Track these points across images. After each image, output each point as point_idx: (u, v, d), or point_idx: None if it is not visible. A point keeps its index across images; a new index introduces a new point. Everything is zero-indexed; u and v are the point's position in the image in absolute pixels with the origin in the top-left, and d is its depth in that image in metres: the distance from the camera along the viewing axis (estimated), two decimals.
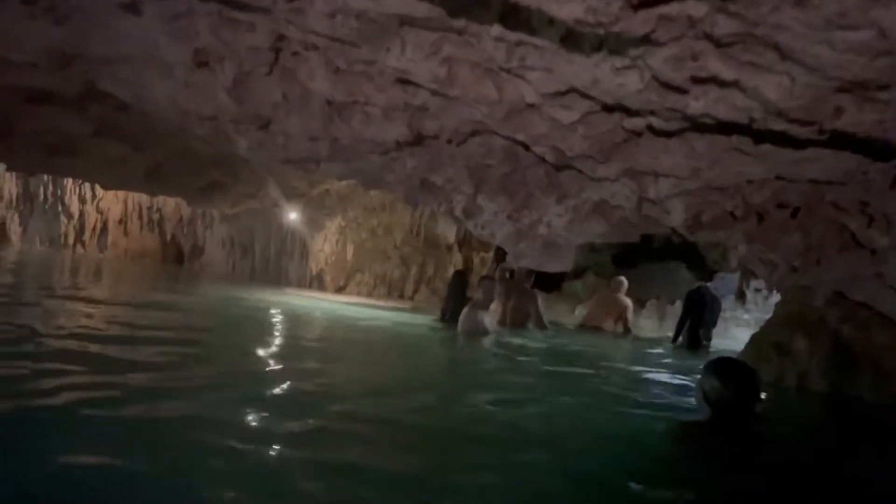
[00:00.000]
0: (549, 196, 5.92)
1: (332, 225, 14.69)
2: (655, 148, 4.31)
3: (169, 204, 17.27)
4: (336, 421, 2.82)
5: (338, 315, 8.60)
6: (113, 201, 17.71)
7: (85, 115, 8.80)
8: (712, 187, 4.63)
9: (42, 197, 17.59)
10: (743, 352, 6.67)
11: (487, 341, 7.12)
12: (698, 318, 8.45)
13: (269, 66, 4.67)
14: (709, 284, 8.74)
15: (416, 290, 15.14)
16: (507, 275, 8.61)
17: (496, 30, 3.12)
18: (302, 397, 3.27)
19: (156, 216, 17.84)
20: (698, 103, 3.18)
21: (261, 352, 4.97)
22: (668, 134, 4.05)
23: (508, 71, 3.56)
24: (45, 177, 17.11)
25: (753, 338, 6.78)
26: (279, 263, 15.82)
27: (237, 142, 5.83)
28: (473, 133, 4.96)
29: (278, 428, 2.62)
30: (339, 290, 14.90)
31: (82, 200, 17.56)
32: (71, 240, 17.80)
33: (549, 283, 15.80)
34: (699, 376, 2.75)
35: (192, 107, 5.41)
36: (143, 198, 17.42)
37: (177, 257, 18.18)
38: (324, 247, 15.06)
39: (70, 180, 17.13)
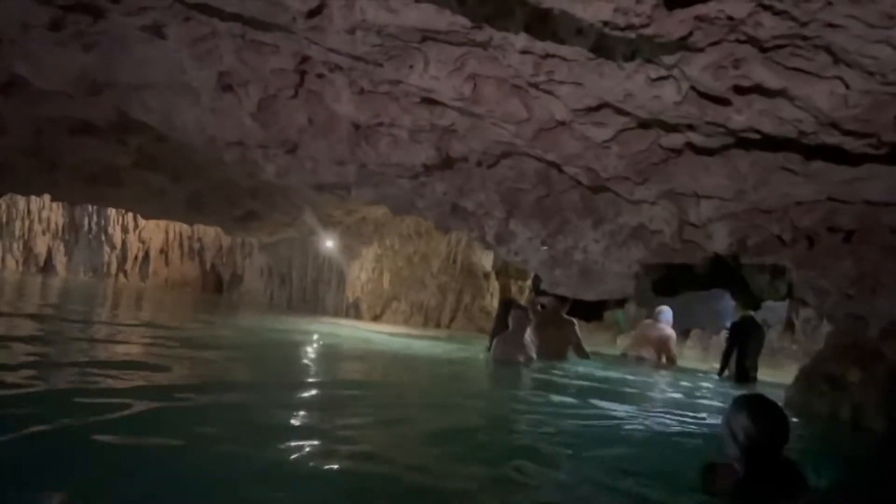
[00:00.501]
0: (585, 220, 5.68)
1: (369, 253, 14.60)
2: (696, 168, 4.06)
3: (209, 233, 17.46)
4: None
5: (380, 348, 8.28)
6: (155, 231, 17.99)
7: (125, 146, 8.92)
8: (758, 210, 4.35)
9: (87, 227, 17.94)
10: (793, 385, 6.33)
11: (523, 372, 6.85)
12: (745, 349, 8.04)
13: (293, 89, 4.56)
14: (754, 313, 8.38)
15: (452, 319, 14.93)
16: (539, 306, 8.28)
17: (522, 39, 2.94)
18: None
19: (196, 245, 18.05)
20: (741, 116, 2.94)
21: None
22: (709, 152, 3.80)
23: (536, 86, 3.37)
24: (90, 207, 17.47)
25: (803, 370, 6.42)
26: (316, 292, 15.78)
27: (265, 168, 5.74)
28: (504, 155, 4.77)
29: None
30: (376, 318, 14.76)
31: (125, 230, 17.87)
32: (114, 269, 18.08)
33: (591, 312, 15.45)
34: (726, 413, 2.51)
35: (219, 132, 5.35)
36: (184, 227, 17.65)
37: (216, 286, 18.33)
38: (360, 275, 14.96)
39: (113, 211, 17.46)
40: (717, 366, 8.51)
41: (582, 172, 4.40)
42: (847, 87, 2.45)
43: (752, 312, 8.16)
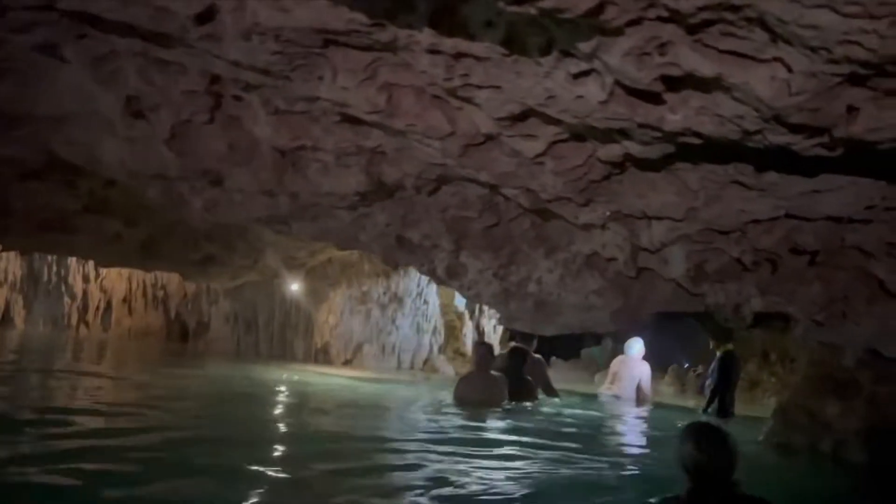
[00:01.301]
0: (537, 250, 5.30)
1: (336, 295, 14.14)
2: (642, 185, 3.71)
3: (173, 281, 16.92)
4: None
5: (347, 396, 7.69)
6: (117, 280, 17.41)
7: (75, 190, 8.48)
8: (714, 230, 3.99)
9: (46, 277, 17.32)
10: (771, 419, 6.13)
11: (482, 415, 6.40)
12: (728, 384, 7.79)
13: (209, 113, 4.18)
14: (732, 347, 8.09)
15: (426, 361, 14.44)
16: (487, 351, 7.68)
17: (427, 36, 2.59)
18: None
19: (160, 294, 17.47)
20: (676, 116, 2.58)
21: None
22: (654, 166, 3.45)
23: (454, 94, 3.01)
24: (50, 257, 16.90)
25: (781, 404, 6.27)
26: (284, 337, 15.24)
27: (192, 202, 5.33)
28: (441, 180, 4.40)
29: None
30: (346, 363, 14.21)
31: (86, 280, 17.28)
32: (74, 320, 17.42)
33: (568, 349, 15.02)
34: (675, 445, 2.47)
35: (137, 165, 4.94)
36: (148, 275, 17.11)
37: (182, 335, 17.70)
38: (328, 318, 14.46)
39: (74, 260, 16.91)
40: (695, 402, 8.18)
41: (521, 194, 4.03)
42: (789, 69, 2.10)
43: (731, 346, 7.90)
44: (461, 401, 7.00)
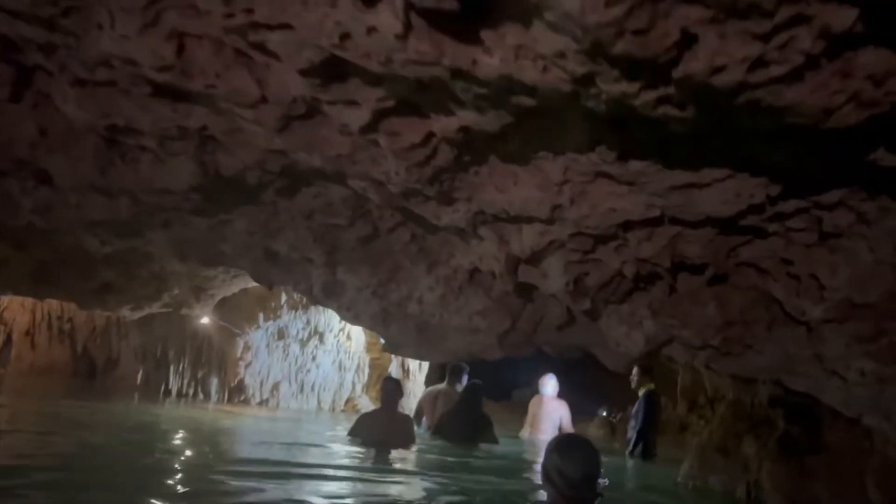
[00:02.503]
0: (418, 265, 4.75)
1: (252, 330, 13.35)
2: (501, 177, 3.20)
3: (81, 313, 15.85)
4: None
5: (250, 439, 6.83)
6: (19, 311, 16.26)
7: None
8: (588, 235, 3.48)
9: None
10: (687, 459, 5.68)
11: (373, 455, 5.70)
12: (651, 423, 7.38)
13: (10, 87, 3.55)
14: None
15: (349, 400, 13.66)
16: (394, 387, 6.93)
17: None
18: None
19: (66, 326, 16.34)
20: (493, 59, 2.07)
21: None
22: (509, 155, 2.95)
23: (247, 40, 2.46)
24: None
25: (698, 443, 5.80)
26: (195, 375, 14.30)
27: (22, 204, 4.64)
28: (290, 174, 3.81)
29: None
30: (263, 402, 13.35)
31: None
32: None
33: (499, 390, 14.38)
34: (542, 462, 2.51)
35: None
36: (54, 306, 16.01)
37: (90, 371, 16.55)
38: (244, 355, 13.63)
39: None
40: (620, 445, 7.80)
41: (370, 187, 3.48)
42: None
43: (653, 385, 7.50)
44: (363, 439, 6.19)
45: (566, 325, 4.83)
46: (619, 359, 5.04)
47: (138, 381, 14.96)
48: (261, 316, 13.34)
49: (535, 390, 13.36)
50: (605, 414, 10.84)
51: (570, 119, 2.43)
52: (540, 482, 2.52)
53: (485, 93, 2.29)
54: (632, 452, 7.37)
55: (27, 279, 11.38)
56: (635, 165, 2.81)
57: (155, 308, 12.51)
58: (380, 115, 2.72)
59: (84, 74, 3.23)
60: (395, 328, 5.08)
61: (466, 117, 2.56)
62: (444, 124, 2.69)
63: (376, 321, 5.10)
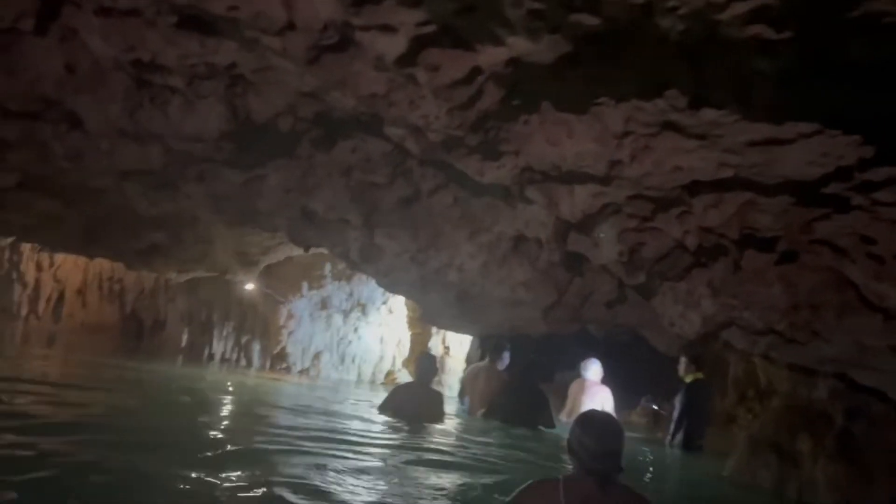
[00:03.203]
0: (460, 231, 4.45)
1: (295, 299, 13.32)
2: (554, 127, 2.87)
3: (131, 274, 16.08)
4: None
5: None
6: (73, 270, 16.58)
7: (4, 163, 7.64)
8: (648, 199, 3.13)
9: None
10: (736, 452, 5.40)
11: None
12: (694, 413, 6.99)
13: (34, 19, 3.36)
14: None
15: (389, 373, 13.55)
16: (431, 363, 6.60)
17: None
18: None
19: (116, 287, 16.61)
20: None
21: None
22: (564, 97, 2.61)
23: None
24: (2, 243, 16.08)
25: (749, 436, 5.51)
26: (238, 340, 14.36)
27: (55, 150, 4.49)
28: (323, 122, 3.54)
29: None
30: (304, 371, 13.34)
31: (39, 268, 16.43)
32: (24, 310, 16.55)
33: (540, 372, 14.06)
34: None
35: None
36: (105, 266, 16.29)
37: (137, 332, 16.83)
38: (287, 324, 13.62)
39: (28, 247, 16.07)
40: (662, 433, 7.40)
41: (408, 136, 3.18)
42: None
43: (700, 374, 7.11)
44: (394, 411, 5.98)
45: (616, 302, 4.50)
46: (672, 341, 4.69)
47: (182, 343, 15.14)
48: (305, 285, 13.27)
49: (576, 374, 12.96)
50: (650, 404, 10.46)
51: (637, 49, 2.09)
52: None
53: (539, 7, 1.96)
54: (671, 442, 7.10)
55: (78, 238, 11.49)
56: (709, 115, 2.46)
57: (200, 272, 12.56)
58: (418, 45, 2.43)
59: (108, 2, 3.01)
60: (433, 297, 4.82)
61: (517, 45, 2.24)
62: (491, 56, 2.37)
63: (414, 288, 4.84)
